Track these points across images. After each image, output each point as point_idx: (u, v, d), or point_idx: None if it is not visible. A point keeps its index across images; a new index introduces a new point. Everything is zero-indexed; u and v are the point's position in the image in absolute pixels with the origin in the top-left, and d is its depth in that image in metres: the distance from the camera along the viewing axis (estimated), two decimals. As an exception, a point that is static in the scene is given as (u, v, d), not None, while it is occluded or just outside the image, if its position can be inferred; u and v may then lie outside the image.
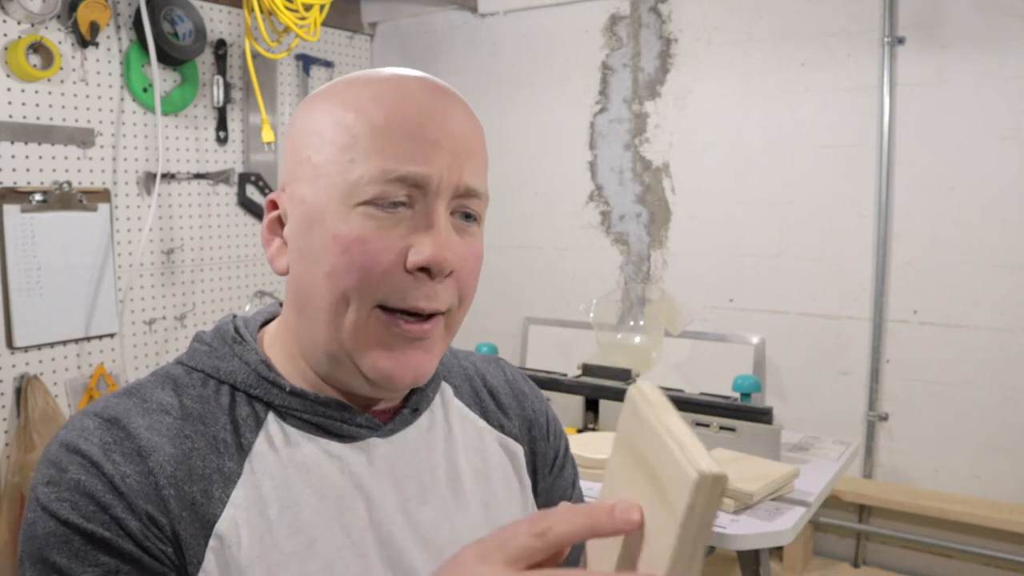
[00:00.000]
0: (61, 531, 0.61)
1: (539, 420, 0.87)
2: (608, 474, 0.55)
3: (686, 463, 0.46)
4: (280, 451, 0.68)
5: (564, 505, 0.50)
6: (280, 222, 0.70)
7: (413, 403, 0.75)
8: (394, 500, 0.71)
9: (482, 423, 0.81)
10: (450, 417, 0.79)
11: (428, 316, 0.66)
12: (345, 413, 0.70)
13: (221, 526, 0.63)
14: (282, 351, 0.72)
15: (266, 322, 0.77)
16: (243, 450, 0.67)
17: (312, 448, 0.69)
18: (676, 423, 0.49)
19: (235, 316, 0.76)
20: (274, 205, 0.71)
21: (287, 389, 0.69)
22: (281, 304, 0.78)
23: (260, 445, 0.67)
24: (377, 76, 0.68)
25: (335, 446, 0.70)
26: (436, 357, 0.70)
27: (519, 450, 0.82)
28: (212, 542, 0.63)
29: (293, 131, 0.70)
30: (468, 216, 0.68)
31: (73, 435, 0.64)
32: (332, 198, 0.65)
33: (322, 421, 0.69)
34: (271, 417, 0.69)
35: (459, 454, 0.77)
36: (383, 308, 0.65)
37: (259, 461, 0.67)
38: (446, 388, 0.81)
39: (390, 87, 0.67)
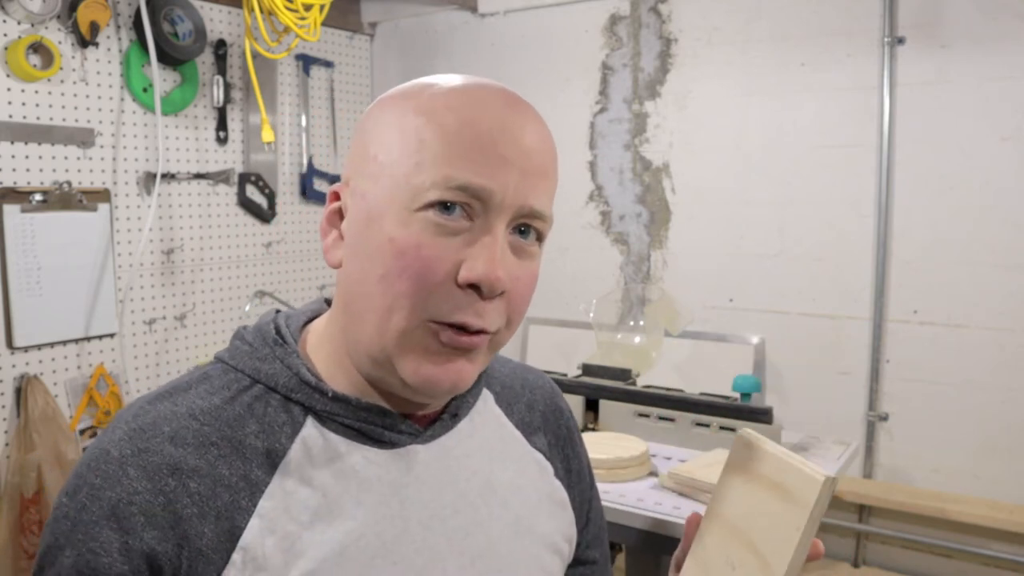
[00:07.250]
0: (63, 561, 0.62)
1: (573, 437, 0.88)
2: (719, 491, 0.74)
3: (812, 471, 0.66)
4: (317, 458, 0.66)
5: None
6: (340, 215, 0.69)
7: (453, 408, 0.74)
8: (430, 508, 0.70)
9: (517, 433, 0.81)
10: (489, 425, 0.78)
11: (476, 331, 0.65)
12: (387, 419, 0.69)
13: (246, 537, 0.62)
14: (327, 351, 0.70)
15: (310, 320, 0.75)
16: (274, 457, 0.66)
17: (352, 454, 0.68)
18: (787, 451, 0.70)
19: (278, 313, 0.74)
20: (336, 197, 0.70)
21: (329, 395, 0.68)
22: (327, 301, 0.76)
23: (295, 452, 0.66)
24: (455, 82, 0.67)
25: (375, 452, 0.68)
26: (478, 368, 0.68)
27: (548, 467, 0.82)
28: (235, 556, 0.62)
29: (365, 126, 0.69)
30: (528, 231, 0.66)
31: (97, 450, 0.64)
32: (394, 199, 0.63)
33: (364, 427, 0.68)
34: (310, 422, 0.67)
35: (494, 463, 0.76)
36: (431, 320, 0.64)
37: (292, 468, 0.65)
38: (487, 395, 0.80)
39: (466, 95, 0.66)
